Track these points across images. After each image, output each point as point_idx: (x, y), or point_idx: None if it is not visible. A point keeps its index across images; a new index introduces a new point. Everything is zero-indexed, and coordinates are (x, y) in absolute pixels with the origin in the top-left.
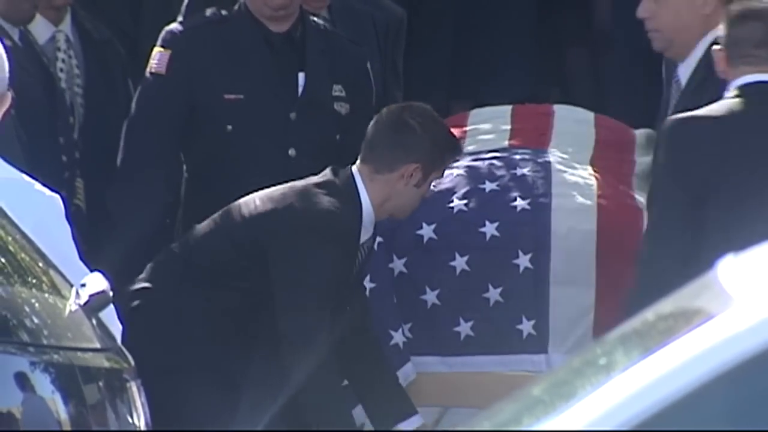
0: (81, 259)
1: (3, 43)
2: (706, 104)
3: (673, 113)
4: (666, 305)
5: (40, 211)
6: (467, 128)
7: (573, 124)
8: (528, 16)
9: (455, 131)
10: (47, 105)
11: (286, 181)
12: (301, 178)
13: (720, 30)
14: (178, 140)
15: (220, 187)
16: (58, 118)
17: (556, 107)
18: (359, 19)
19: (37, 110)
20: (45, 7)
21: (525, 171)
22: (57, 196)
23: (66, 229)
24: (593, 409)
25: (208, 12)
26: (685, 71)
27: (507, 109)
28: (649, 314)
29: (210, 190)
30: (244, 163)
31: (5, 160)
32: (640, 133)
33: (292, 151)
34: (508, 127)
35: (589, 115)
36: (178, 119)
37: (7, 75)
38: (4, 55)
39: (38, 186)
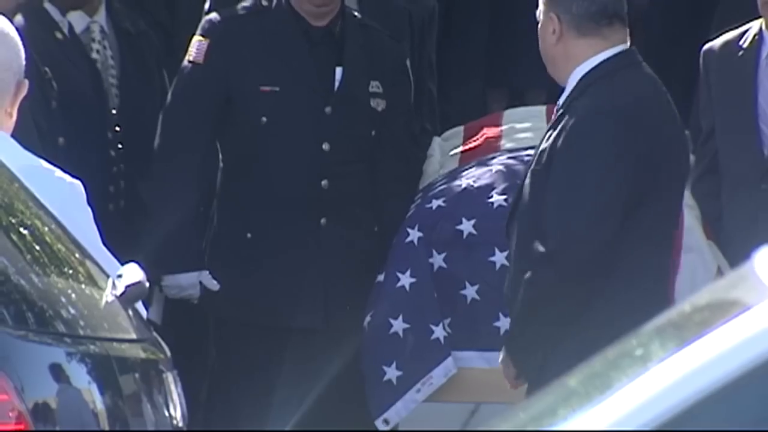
0: (104, 243)
1: (20, 32)
2: None
3: None
4: (702, 296)
5: (62, 197)
6: (503, 127)
7: None
8: None
9: (491, 131)
10: (95, 99)
11: (319, 176)
12: (334, 173)
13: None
14: (213, 129)
15: (253, 178)
16: (105, 112)
17: None
18: (394, 12)
19: (85, 104)
20: None
21: None
22: (78, 182)
23: (88, 215)
24: (629, 401)
25: (248, 2)
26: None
27: (542, 109)
28: (686, 305)
29: (243, 180)
30: (277, 155)
31: (25, 147)
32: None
33: (326, 146)
34: (545, 126)
35: None
36: (214, 108)
37: (24, 63)
38: (20, 43)
39: (59, 172)
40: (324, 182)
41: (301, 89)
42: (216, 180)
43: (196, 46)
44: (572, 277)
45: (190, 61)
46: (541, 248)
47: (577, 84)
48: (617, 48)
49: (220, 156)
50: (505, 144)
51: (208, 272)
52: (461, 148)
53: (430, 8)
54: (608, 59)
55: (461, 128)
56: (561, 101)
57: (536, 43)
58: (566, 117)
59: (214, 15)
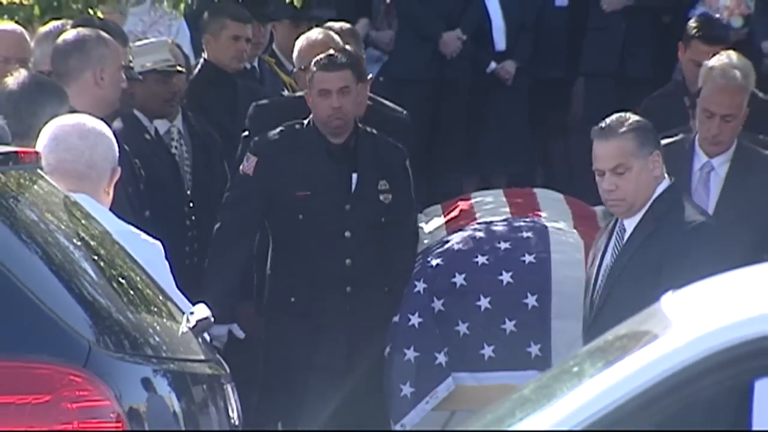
0: (179, 288)
1: (117, 133)
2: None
3: (619, 260)
4: (622, 328)
5: (146, 254)
6: (472, 201)
7: (552, 202)
8: (522, 113)
9: (464, 203)
10: (174, 183)
11: (344, 256)
12: (355, 253)
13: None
14: (257, 223)
15: (295, 259)
16: (182, 193)
17: (536, 189)
18: (390, 121)
19: (166, 187)
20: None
21: (529, 234)
22: (158, 243)
23: (167, 268)
24: (567, 407)
25: (285, 126)
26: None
27: (499, 192)
28: (609, 335)
29: (288, 260)
30: (311, 242)
31: (118, 216)
32: (599, 209)
33: (347, 234)
34: (505, 200)
35: (559, 195)
36: (259, 209)
37: (117, 154)
38: (113, 139)
39: (144, 235)
40: (348, 261)
41: (327, 192)
42: (261, 256)
43: (247, 161)
44: None
45: (243, 172)
46: None
47: (654, 203)
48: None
49: (271, 242)
50: (480, 217)
51: (236, 325)
52: (444, 219)
53: (408, 122)
54: (672, 184)
55: (439, 206)
56: (637, 222)
57: (501, 144)
58: (662, 232)
59: (261, 137)
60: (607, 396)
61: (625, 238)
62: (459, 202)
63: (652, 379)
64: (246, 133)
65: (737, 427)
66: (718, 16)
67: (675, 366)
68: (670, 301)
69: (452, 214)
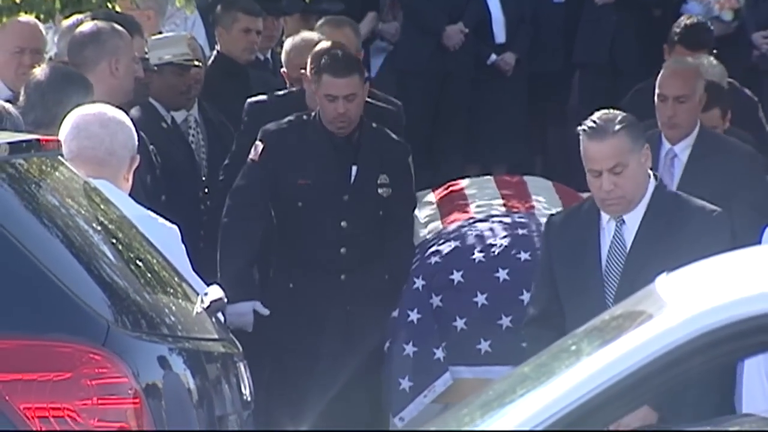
0: (194, 270)
1: (134, 120)
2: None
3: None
4: (618, 308)
5: (163, 238)
6: (467, 193)
7: (542, 191)
8: (521, 104)
9: (454, 185)
10: (190, 169)
11: (339, 244)
12: (350, 242)
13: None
14: (263, 206)
15: (294, 245)
16: (197, 178)
17: (525, 177)
18: (386, 114)
19: (182, 173)
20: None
21: (524, 231)
22: (175, 226)
23: (183, 251)
24: (566, 384)
25: (293, 116)
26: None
27: (490, 179)
28: (606, 315)
29: (287, 247)
30: (309, 230)
31: (136, 200)
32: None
33: (344, 224)
34: (498, 193)
35: (548, 183)
36: (264, 193)
37: (136, 142)
38: (133, 128)
39: (161, 220)
40: (343, 249)
41: (326, 182)
42: (269, 238)
43: (255, 148)
44: None
45: (250, 158)
46: None
47: (655, 193)
48: None
49: (276, 228)
50: (476, 213)
51: (259, 302)
52: (437, 201)
53: (396, 110)
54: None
55: (430, 190)
56: (643, 215)
57: (502, 132)
58: (682, 220)
59: (270, 125)
60: (604, 374)
61: (633, 232)
62: (450, 187)
63: (646, 357)
64: (242, 128)
65: (726, 402)
66: (700, 19)
67: (668, 345)
68: (665, 282)
69: (444, 198)
